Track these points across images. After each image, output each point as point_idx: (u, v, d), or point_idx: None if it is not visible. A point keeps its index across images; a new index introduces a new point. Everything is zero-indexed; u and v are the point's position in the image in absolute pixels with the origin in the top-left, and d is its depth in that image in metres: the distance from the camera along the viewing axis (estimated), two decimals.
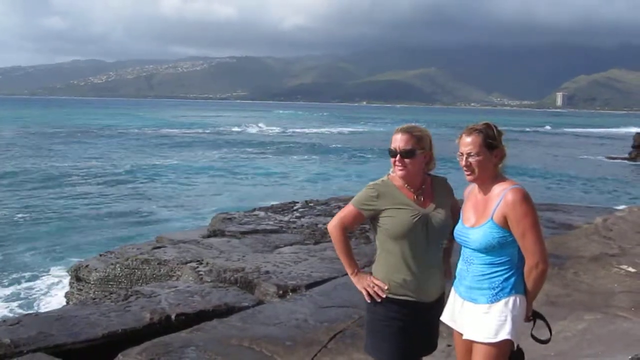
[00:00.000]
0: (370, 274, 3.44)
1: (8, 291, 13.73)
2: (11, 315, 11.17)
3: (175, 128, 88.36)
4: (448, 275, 3.57)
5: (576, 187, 33.97)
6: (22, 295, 13.42)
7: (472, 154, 3.18)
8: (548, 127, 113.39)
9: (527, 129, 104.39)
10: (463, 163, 3.21)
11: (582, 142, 74.49)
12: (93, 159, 43.92)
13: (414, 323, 3.34)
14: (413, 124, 3.48)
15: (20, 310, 11.93)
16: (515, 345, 3.14)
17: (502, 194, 3.14)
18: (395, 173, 3.40)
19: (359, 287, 3.41)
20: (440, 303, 3.46)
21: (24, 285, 14.18)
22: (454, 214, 3.45)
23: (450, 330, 3.46)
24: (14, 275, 14.92)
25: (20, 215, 22.63)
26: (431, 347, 3.51)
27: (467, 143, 3.19)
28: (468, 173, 3.22)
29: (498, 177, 3.23)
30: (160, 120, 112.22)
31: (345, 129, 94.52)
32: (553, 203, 15.95)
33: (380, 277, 3.37)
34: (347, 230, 3.48)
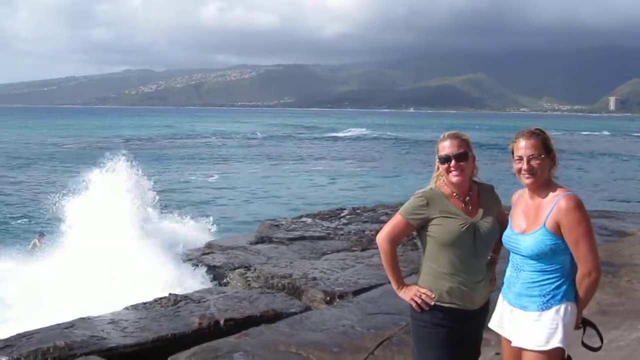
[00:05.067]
0: (415, 283, 3.43)
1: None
2: (65, 318, 11.42)
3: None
4: (493, 284, 3.53)
5: (630, 193, 32.97)
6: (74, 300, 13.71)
7: (534, 156, 3.14)
8: (605, 132, 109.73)
9: (582, 133, 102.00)
10: (524, 166, 3.15)
11: (637, 146, 72.26)
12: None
13: (458, 330, 3.32)
14: (456, 130, 3.46)
15: (73, 314, 12.19)
16: (566, 354, 3.08)
17: (555, 201, 3.10)
18: (450, 179, 3.35)
19: (407, 299, 3.40)
20: (485, 311, 3.43)
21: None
22: (500, 223, 3.42)
23: (498, 338, 3.42)
24: None
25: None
26: (475, 354, 3.48)
27: (528, 146, 3.16)
28: (528, 176, 3.16)
29: (550, 183, 3.19)
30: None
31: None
32: (606, 210, 15.54)
33: (427, 286, 3.35)
34: (396, 243, 3.47)
